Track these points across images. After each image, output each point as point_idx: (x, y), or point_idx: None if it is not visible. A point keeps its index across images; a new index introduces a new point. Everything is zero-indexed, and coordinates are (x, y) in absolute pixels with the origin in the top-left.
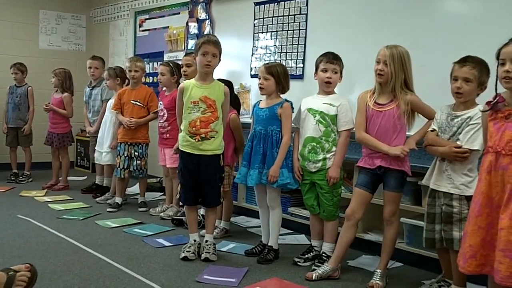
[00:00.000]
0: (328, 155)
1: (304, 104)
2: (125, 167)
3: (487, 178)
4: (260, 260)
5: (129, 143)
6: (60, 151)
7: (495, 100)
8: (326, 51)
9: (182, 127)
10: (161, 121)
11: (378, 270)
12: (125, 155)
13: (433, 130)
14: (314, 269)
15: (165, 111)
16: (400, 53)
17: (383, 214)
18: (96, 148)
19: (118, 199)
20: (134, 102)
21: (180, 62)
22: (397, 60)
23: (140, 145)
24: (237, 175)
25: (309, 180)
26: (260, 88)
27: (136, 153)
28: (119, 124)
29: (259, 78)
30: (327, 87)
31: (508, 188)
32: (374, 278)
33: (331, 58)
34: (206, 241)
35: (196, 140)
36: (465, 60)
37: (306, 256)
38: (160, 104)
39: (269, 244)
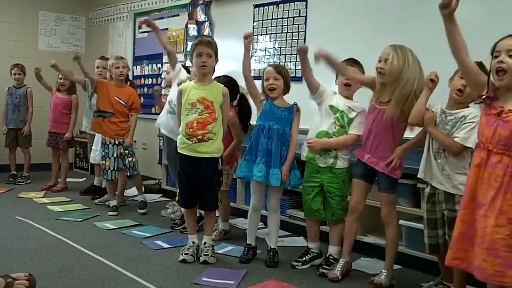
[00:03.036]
0: (339, 154)
1: (329, 95)
2: (115, 169)
3: (476, 174)
4: (271, 264)
5: (117, 143)
6: (62, 152)
7: (486, 95)
8: None
9: (180, 129)
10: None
11: (384, 271)
12: (115, 156)
13: (429, 110)
14: (323, 272)
15: None
16: (405, 52)
17: (380, 215)
18: (93, 147)
19: (112, 202)
20: (118, 100)
21: (187, 64)
22: (401, 58)
23: None
24: (256, 173)
25: (319, 182)
26: (271, 89)
27: (126, 151)
28: (98, 115)
29: (266, 80)
30: (346, 91)
31: (495, 186)
32: (378, 276)
33: (351, 63)
34: (205, 243)
35: (193, 142)
36: (480, 65)
37: (304, 258)
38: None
39: (272, 247)
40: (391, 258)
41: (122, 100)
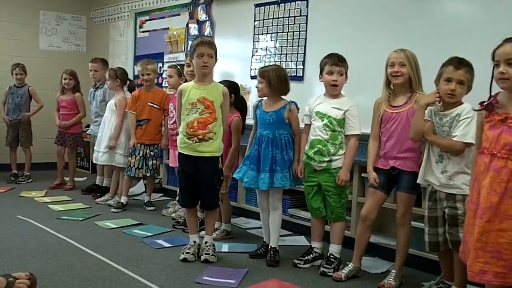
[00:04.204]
0: (333, 158)
1: (314, 104)
2: (140, 167)
3: (481, 179)
4: (272, 263)
5: (145, 144)
6: (69, 151)
7: (489, 101)
8: (326, 53)
9: (180, 129)
10: (170, 123)
11: (393, 271)
12: (141, 155)
13: (426, 121)
14: (324, 271)
15: (174, 112)
16: (412, 54)
17: (396, 215)
18: (95, 148)
19: (123, 199)
20: (151, 104)
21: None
22: (412, 60)
23: (156, 145)
24: (244, 178)
25: (316, 182)
26: (257, 90)
27: (152, 153)
28: (136, 125)
29: (257, 81)
30: (333, 90)
31: (499, 191)
32: (388, 277)
33: (336, 61)
34: (206, 242)
35: (194, 141)
36: (459, 63)
37: (306, 258)
38: (170, 105)
39: (272, 246)
40: (402, 258)
41: (155, 104)
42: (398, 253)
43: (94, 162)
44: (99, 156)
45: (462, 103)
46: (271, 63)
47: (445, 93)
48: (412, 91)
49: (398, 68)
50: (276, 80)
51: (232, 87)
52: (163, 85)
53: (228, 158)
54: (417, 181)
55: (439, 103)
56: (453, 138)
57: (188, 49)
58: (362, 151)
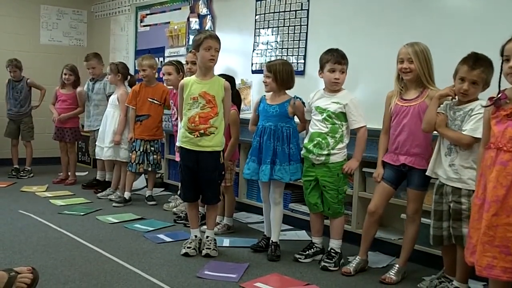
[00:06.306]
0: (332, 151)
1: (313, 99)
2: (140, 162)
3: (488, 173)
4: (273, 257)
5: (145, 139)
6: (69, 146)
7: (497, 97)
8: (327, 47)
9: (181, 124)
10: (173, 120)
11: (396, 265)
12: (141, 150)
13: (440, 113)
14: (325, 266)
15: (175, 109)
16: (421, 49)
17: (406, 211)
18: (97, 143)
19: (127, 194)
20: (151, 100)
21: (183, 60)
22: (421, 55)
23: (156, 140)
24: (245, 170)
25: (314, 176)
26: (264, 84)
27: (152, 148)
28: (135, 119)
29: (264, 75)
30: (334, 87)
31: (505, 185)
32: (389, 272)
33: (339, 58)
34: (207, 236)
35: (195, 136)
36: (475, 62)
37: (307, 252)
38: (171, 102)
39: (273, 241)
40: (407, 254)
41: (156, 100)
42: (404, 249)
43: (96, 157)
44: (104, 151)
45: (477, 99)
46: (272, 58)
47: (459, 91)
48: (424, 86)
49: (407, 64)
50: (283, 74)
51: (228, 81)
52: (164, 84)
53: (227, 150)
54: (426, 173)
55: (452, 99)
56: (462, 132)
57: (189, 43)
58: None
